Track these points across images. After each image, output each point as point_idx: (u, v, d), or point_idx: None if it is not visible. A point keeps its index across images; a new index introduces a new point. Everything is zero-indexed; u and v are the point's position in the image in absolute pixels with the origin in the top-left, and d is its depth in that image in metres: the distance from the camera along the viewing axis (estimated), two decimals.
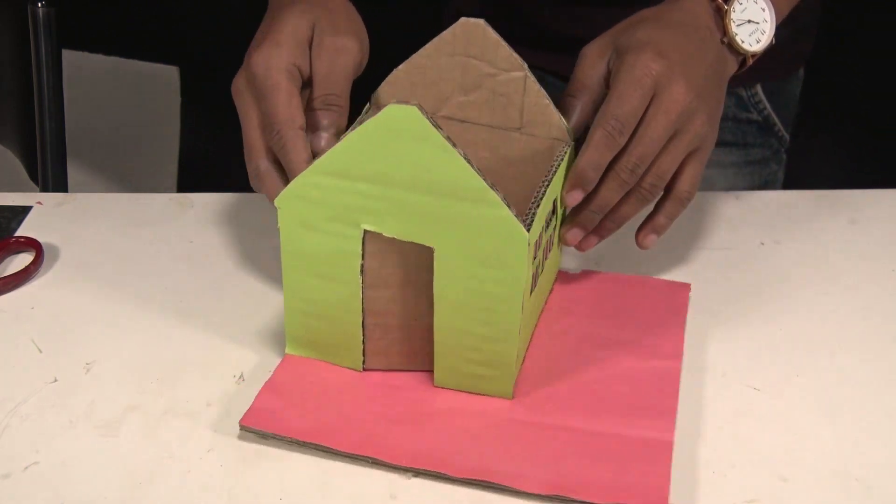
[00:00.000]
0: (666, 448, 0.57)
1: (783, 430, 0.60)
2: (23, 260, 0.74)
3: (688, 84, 0.64)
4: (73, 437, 0.58)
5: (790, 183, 1.04)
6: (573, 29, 0.71)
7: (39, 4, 1.04)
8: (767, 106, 0.97)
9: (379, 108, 0.64)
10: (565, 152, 0.66)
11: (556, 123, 0.67)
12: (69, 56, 1.11)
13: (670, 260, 0.75)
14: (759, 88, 0.96)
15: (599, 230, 0.68)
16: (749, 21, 0.69)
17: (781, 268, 0.76)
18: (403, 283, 0.60)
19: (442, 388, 0.62)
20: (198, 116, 1.39)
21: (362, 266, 0.59)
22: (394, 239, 0.58)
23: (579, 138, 0.67)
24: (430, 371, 0.62)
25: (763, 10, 0.70)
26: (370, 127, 0.55)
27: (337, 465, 0.57)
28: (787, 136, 1.00)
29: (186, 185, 1.40)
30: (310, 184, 0.58)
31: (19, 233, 0.77)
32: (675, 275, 0.74)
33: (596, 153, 0.63)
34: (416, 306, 0.61)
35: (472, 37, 0.65)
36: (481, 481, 0.55)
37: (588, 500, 0.54)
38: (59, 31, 1.05)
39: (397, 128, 0.54)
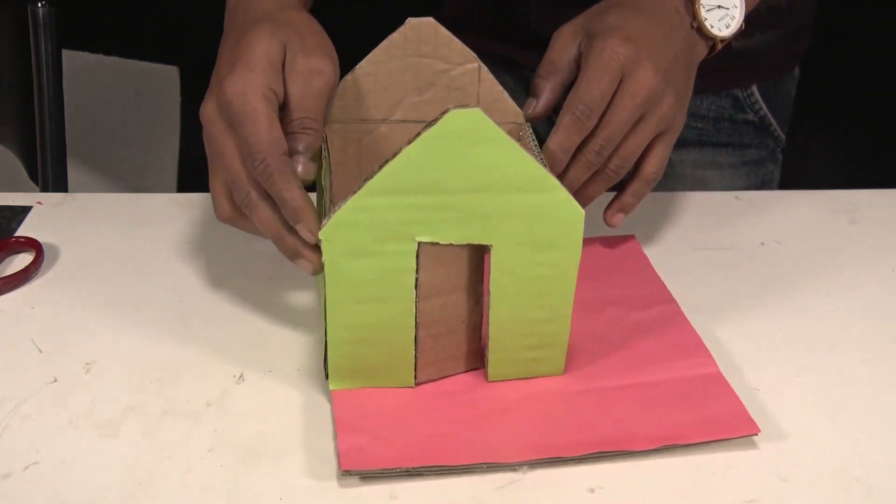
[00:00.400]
0: (719, 378, 0.63)
1: (783, 430, 0.60)
2: (23, 260, 0.74)
3: (655, 68, 0.65)
4: (73, 437, 0.58)
5: (787, 183, 1.04)
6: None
7: (39, 4, 1.04)
8: (763, 106, 0.97)
9: (330, 123, 0.65)
10: (529, 133, 0.67)
11: (512, 108, 0.68)
12: (69, 56, 1.11)
13: (670, 260, 0.75)
14: (754, 89, 0.96)
15: None
16: (719, 6, 0.70)
17: (781, 268, 0.76)
18: (452, 289, 0.60)
19: (496, 381, 0.63)
20: (198, 116, 1.39)
21: (416, 280, 0.58)
22: (448, 245, 0.58)
23: (545, 119, 0.69)
24: (474, 369, 0.63)
25: None
26: (430, 137, 0.54)
27: (337, 466, 0.57)
28: (782, 136, 1.01)
29: (186, 185, 1.40)
30: (358, 208, 0.55)
31: (19, 233, 0.77)
32: (675, 274, 0.74)
33: (564, 136, 0.65)
34: (464, 309, 0.61)
35: (422, 36, 0.65)
36: (596, 454, 0.57)
37: (693, 442, 0.58)
38: (59, 31, 1.05)
39: (460, 132, 0.54)
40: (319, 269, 0.59)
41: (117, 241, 0.77)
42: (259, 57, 0.60)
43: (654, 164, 0.70)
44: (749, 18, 0.72)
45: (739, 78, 0.95)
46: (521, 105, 0.69)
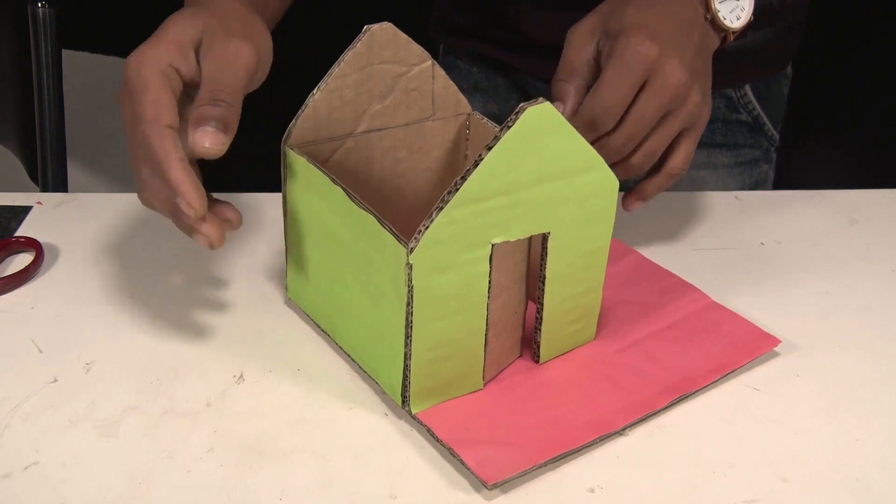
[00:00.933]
0: (718, 307, 0.69)
1: (783, 430, 0.60)
2: (23, 260, 0.74)
3: (681, 65, 0.65)
4: (73, 437, 0.58)
5: (783, 183, 1.04)
6: (556, 35, 0.71)
7: (39, 4, 1.04)
8: (757, 106, 0.97)
9: (300, 146, 0.63)
10: (486, 122, 0.70)
11: (462, 101, 0.70)
12: (69, 56, 1.11)
13: (670, 260, 0.75)
14: (748, 89, 0.96)
15: None
16: None
17: (781, 268, 0.76)
18: (511, 283, 0.60)
19: (545, 362, 0.64)
20: None
21: (489, 283, 0.58)
22: (514, 241, 0.58)
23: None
24: (518, 357, 0.64)
25: None
26: (508, 139, 0.54)
27: (337, 465, 0.57)
28: (776, 136, 1.01)
29: None
30: (445, 223, 0.54)
31: (19, 233, 0.77)
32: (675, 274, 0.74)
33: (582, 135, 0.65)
34: (517, 300, 0.62)
35: (382, 42, 0.64)
36: (678, 399, 0.61)
37: (740, 366, 0.64)
38: (59, 31, 1.05)
39: (535, 129, 0.54)
40: (218, 243, 0.58)
41: (117, 241, 0.77)
42: (168, 36, 0.60)
43: (680, 160, 0.70)
44: None
45: (732, 78, 0.95)
46: (514, 106, 0.68)
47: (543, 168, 0.56)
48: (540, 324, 0.62)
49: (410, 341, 0.57)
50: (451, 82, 0.69)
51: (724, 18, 0.70)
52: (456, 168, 0.72)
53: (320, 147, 0.65)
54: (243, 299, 0.70)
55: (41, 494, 0.54)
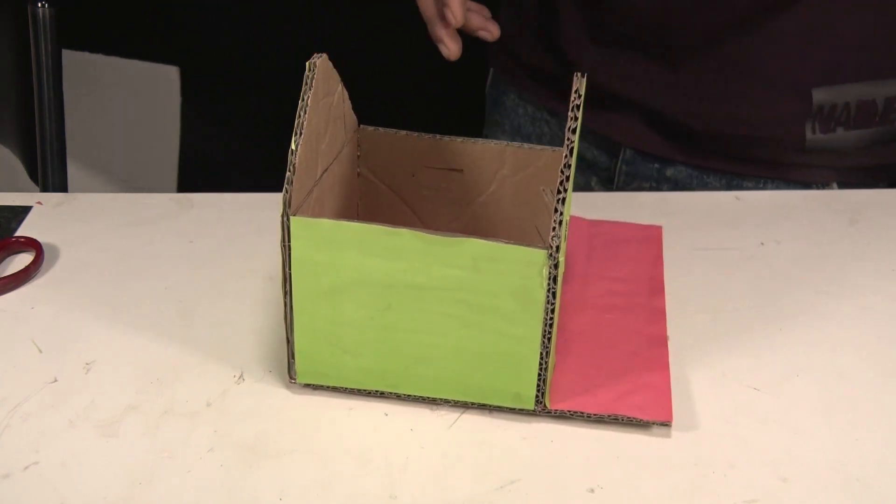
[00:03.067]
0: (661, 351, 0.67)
1: (783, 430, 0.60)
2: (23, 260, 0.74)
3: None
4: (73, 437, 0.58)
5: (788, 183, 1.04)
6: (618, 85, 0.70)
7: (39, 4, 1.04)
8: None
9: (297, 213, 0.58)
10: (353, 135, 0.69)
11: (354, 116, 0.69)
12: (69, 56, 1.11)
13: (670, 260, 0.75)
14: (834, 186, 0.89)
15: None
16: None
17: (781, 268, 0.76)
18: None
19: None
20: (198, 116, 1.39)
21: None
22: None
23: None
24: None
25: None
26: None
27: (337, 465, 0.57)
28: None
29: (186, 185, 1.40)
30: (564, 223, 0.56)
31: (19, 233, 0.77)
32: (675, 274, 0.74)
33: None
34: None
35: (326, 75, 0.62)
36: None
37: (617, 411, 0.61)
38: (59, 31, 1.05)
39: None
40: (454, 56, 0.73)
41: (117, 241, 0.77)
42: None
43: None
44: (832, 109, 0.69)
45: (815, 175, 0.87)
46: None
47: None
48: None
49: (549, 341, 0.58)
50: (348, 99, 0.67)
51: None
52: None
53: (310, 203, 0.61)
54: (243, 299, 0.70)
55: (41, 494, 0.54)
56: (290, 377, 0.62)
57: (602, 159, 0.94)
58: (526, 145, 0.68)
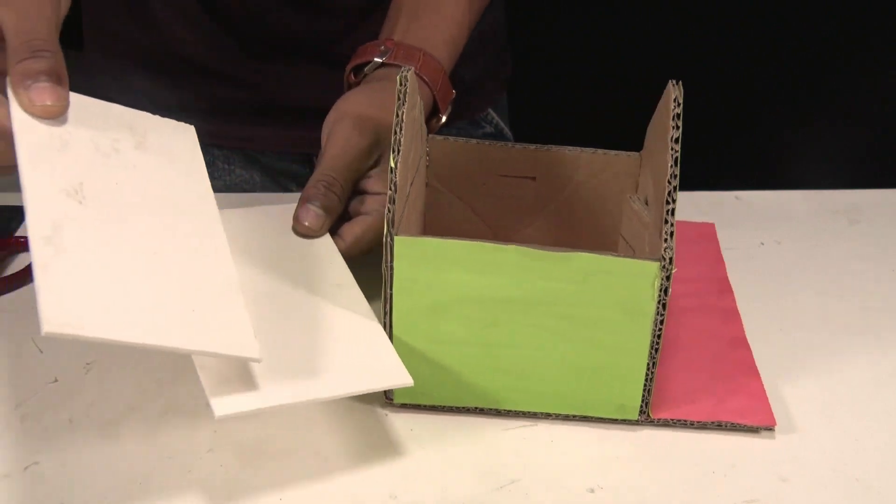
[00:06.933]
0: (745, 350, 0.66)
1: (783, 430, 0.60)
2: (23, 260, 0.74)
3: None
4: (73, 437, 0.58)
5: (787, 182, 1.04)
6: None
7: None
8: (496, 117, 1.01)
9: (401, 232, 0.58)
10: None
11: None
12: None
13: None
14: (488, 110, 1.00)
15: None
16: None
17: (781, 268, 0.76)
18: None
19: None
20: None
21: None
22: None
23: None
24: None
25: None
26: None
27: (337, 466, 0.57)
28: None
29: None
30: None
31: (19, 233, 0.77)
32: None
33: None
34: None
35: (413, 88, 0.60)
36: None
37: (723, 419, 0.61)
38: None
39: None
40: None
41: None
42: None
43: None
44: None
45: (473, 105, 0.98)
46: None
47: None
48: None
49: (657, 352, 0.57)
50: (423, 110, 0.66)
51: None
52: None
53: (402, 220, 0.59)
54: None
55: (41, 494, 0.54)
56: (387, 397, 0.61)
57: None
58: (601, 151, 0.68)
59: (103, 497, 0.54)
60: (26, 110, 0.53)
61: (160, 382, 0.62)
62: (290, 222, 0.64)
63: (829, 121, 1.43)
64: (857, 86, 1.41)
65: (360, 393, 0.55)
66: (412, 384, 0.56)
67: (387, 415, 0.61)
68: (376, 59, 0.72)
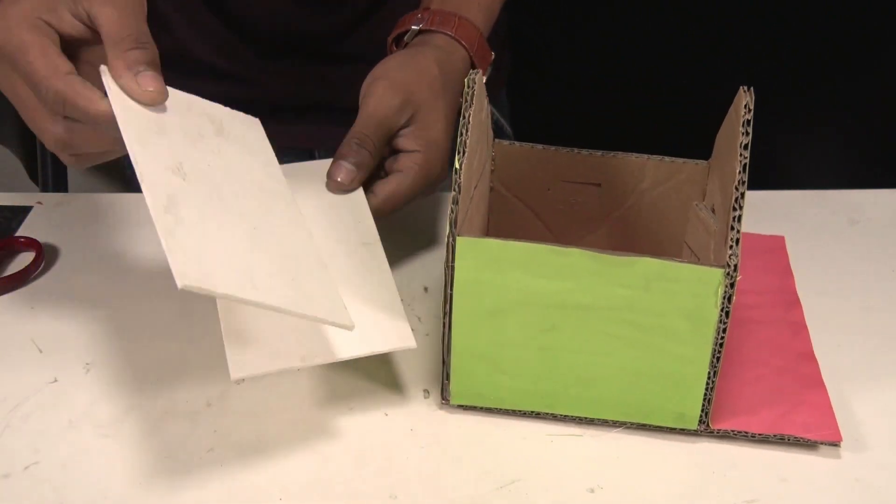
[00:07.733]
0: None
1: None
2: (23, 260, 0.74)
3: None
4: (73, 437, 0.58)
5: (787, 183, 1.04)
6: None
7: None
8: (495, 112, 1.00)
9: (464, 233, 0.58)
10: None
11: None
12: None
13: None
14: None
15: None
16: None
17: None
18: None
19: None
20: None
21: None
22: None
23: None
24: None
25: None
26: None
27: (337, 465, 0.57)
28: (510, 130, 1.05)
29: None
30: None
31: (19, 233, 0.77)
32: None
33: None
34: None
35: (481, 91, 0.62)
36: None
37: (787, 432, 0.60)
38: None
39: None
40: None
41: (117, 241, 0.77)
42: None
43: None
44: None
45: None
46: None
47: None
48: None
49: (718, 361, 0.57)
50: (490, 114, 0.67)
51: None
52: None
53: (465, 222, 0.59)
54: None
55: (41, 494, 0.54)
56: (443, 398, 0.61)
57: None
58: (667, 158, 0.67)
59: (103, 497, 0.54)
60: (134, 96, 0.56)
61: (160, 382, 0.62)
62: (324, 178, 0.67)
63: (829, 121, 1.43)
64: (857, 86, 1.41)
65: (366, 355, 0.58)
66: (415, 347, 0.58)
67: (387, 414, 0.61)
68: (413, 27, 0.74)
